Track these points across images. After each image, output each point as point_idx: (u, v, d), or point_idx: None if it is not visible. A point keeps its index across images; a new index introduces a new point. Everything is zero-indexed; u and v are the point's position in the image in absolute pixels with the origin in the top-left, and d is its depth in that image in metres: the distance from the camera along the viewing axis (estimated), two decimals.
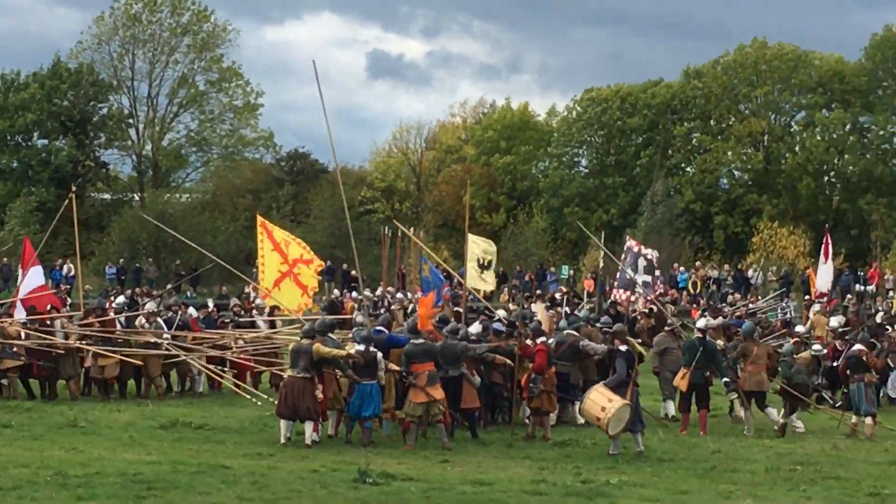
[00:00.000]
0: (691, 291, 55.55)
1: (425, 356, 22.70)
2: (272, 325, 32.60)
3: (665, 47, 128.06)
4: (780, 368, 27.31)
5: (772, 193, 70.66)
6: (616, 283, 35.97)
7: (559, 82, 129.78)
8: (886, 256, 61.65)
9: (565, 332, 26.41)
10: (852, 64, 72.63)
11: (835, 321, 35.15)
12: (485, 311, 32.64)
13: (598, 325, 27.99)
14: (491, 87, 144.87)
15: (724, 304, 46.02)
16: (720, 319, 32.92)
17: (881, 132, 71.13)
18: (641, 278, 35.11)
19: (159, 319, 30.68)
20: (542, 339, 24.92)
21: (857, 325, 36.11)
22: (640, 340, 33.37)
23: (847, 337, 30.52)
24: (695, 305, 49.78)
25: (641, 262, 36.44)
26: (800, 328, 31.15)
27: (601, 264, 35.64)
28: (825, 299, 43.71)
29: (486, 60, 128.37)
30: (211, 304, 36.63)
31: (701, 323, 26.90)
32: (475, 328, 25.85)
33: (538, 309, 32.66)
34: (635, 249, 36.40)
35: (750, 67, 72.20)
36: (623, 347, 22.87)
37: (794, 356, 27.28)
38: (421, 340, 22.90)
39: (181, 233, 42.72)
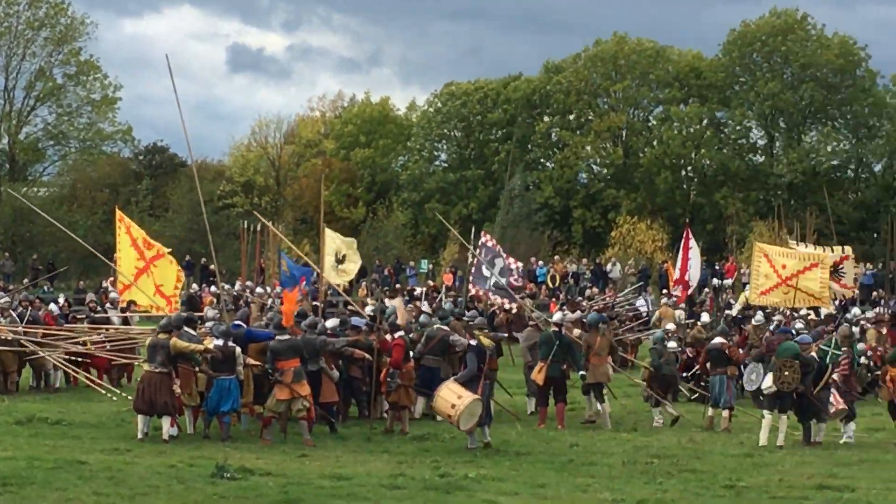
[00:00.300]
0: (550, 285, 55.84)
1: (291, 352, 22.47)
2: (125, 321, 32.06)
3: (525, 42, 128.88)
4: (649, 358, 27.62)
5: (630, 188, 71.30)
6: (472, 279, 35.85)
7: (419, 76, 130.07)
8: (742, 250, 62.52)
9: (435, 326, 26.31)
10: (710, 59, 73.60)
11: (706, 316, 35.56)
12: (347, 306, 32.44)
13: (465, 318, 27.98)
14: (351, 81, 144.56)
15: (582, 299, 46.26)
16: (578, 313, 33.09)
17: (737, 127, 72.23)
18: (494, 280, 35.09)
19: (13, 314, 30.07)
20: (400, 333, 24.84)
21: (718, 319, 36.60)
22: (505, 335, 33.57)
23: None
24: (553, 299, 49.98)
25: (500, 263, 36.39)
26: (670, 326, 31.40)
27: (470, 259, 35.55)
28: (679, 290, 44.12)
29: (346, 54, 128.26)
30: (62, 299, 35.93)
31: (557, 317, 26.93)
32: (332, 322, 25.72)
33: (396, 303, 32.56)
34: (489, 244, 36.35)
35: (609, 62, 72.78)
36: (474, 342, 22.92)
37: (666, 346, 27.56)
38: (286, 336, 22.67)
39: (39, 227, 41.87)
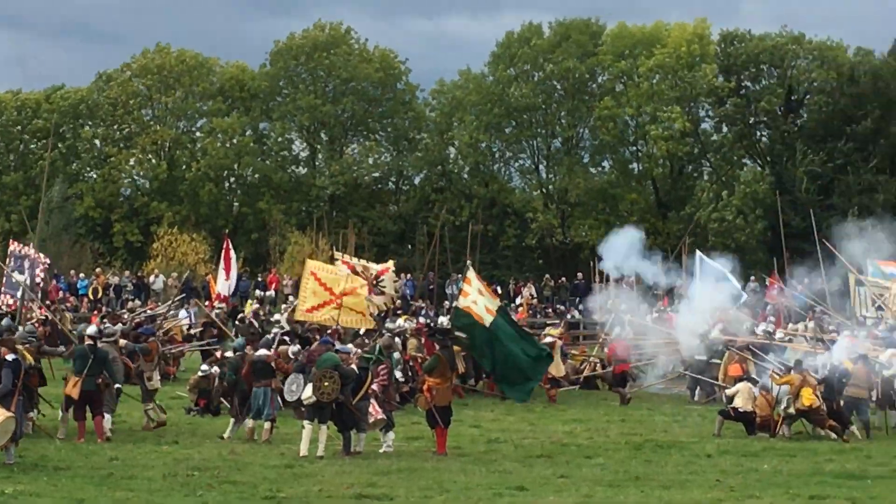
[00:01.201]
0: (91, 298, 54.68)
1: None
2: None
3: (73, 51, 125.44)
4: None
5: (174, 200, 70.55)
6: (2, 289, 34.62)
7: None
8: (283, 261, 63.02)
9: None
10: (254, 71, 73.77)
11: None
12: None
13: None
14: None
15: (124, 311, 45.41)
16: (120, 326, 32.43)
17: (279, 139, 72.65)
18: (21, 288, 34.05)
19: None
20: None
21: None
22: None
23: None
24: (95, 312, 48.91)
25: (36, 268, 35.31)
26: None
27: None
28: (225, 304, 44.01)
29: None
30: None
31: (90, 330, 26.50)
32: None
33: None
34: (20, 253, 35.21)
35: (155, 73, 71.79)
36: (10, 357, 22.09)
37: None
38: None
39: None
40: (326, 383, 23.66)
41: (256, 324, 40.44)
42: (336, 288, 36.87)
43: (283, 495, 19.30)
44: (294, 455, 23.71)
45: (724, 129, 69.90)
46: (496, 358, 25.25)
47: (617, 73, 70.04)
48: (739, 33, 69.85)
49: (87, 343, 25.64)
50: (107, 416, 25.58)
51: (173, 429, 27.53)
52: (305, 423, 24.04)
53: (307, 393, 24.02)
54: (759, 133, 70.37)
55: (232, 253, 45.69)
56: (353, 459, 23.63)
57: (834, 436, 27.75)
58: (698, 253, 45.18)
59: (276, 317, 40.27)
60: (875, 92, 65.99)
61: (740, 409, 28.71)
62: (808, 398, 27.55)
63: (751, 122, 69.05)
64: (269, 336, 33.70)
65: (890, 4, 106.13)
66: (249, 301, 49.90)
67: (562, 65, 69.26)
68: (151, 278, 58.21)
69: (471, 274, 26.24)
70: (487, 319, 25.09)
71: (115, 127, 72.30)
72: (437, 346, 25.38)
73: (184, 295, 49.31)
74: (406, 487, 20.35)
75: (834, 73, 66.84)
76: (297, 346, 30.84)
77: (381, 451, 24.85)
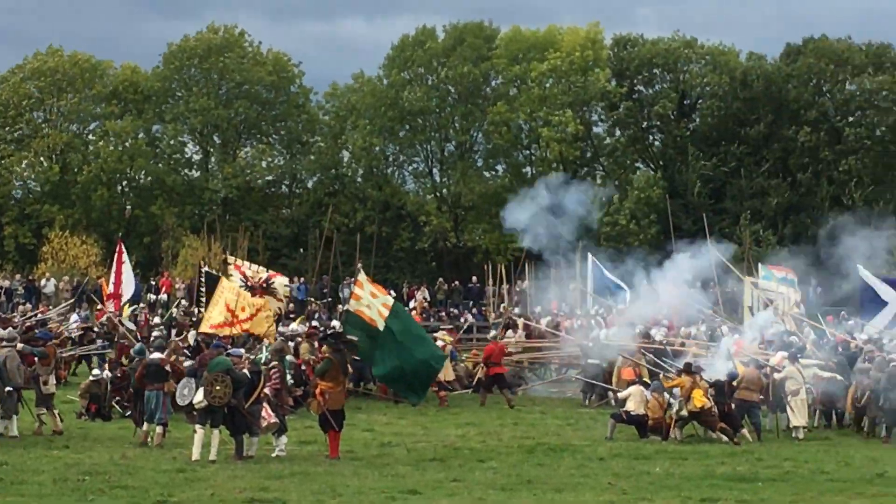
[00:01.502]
0: None
1: None
2: None
3: None
4: None
5: (67, 203, 69.71)
6: None
7: None
8: (176, 264, 62.54)
9: None
10: (147, 74, 73.07)
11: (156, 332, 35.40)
12: None
13: None
14: None
15: (15, 314, 44.85)
16: (10, 330, 31.98)
17: (172, 141, 72.06)
18: None
19: None
20: None
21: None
22: None
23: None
24: None
25: None
26: None
27: None
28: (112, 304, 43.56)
29: None
30: None
31: None
32: None
33: None
34: None
35: (48, 76, 70.87)
36: None
37: None
38: None
39: None
40: (218, 387, 23.52)
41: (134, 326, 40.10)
42: (240, 313, 36.78)
43: (174, 500, 19.19)
44: (186, 459, 23.54)
45: (617, 132, 70.55)
46: (388, 360, 25.21)
47: (511, 77, 70.35)
48: (632, 37, 70.63)
49: None
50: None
51: (64, 433, 27.26)
52: (197, 427, 23.86)
53: (199, 397, 23.85)
54: (651, 137, 71.21)
55: (125, 257, 45.17)
56: (246, 464, 23.51)
57: (725, 438, 28.09)
58: (590, 257, 45.59)
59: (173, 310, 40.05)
60: (768, 96, 67.04)
61: (633, 413, 28.96)
62: (700, 400, 27.88)
63: (644, 126, 69.81)
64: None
65: (783, 10, 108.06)
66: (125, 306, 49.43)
67: (456, 69, 69.43)
68: (43, 282, 57.58)
69: (362, 277, 26.24)
70: (381, 323, 25.08)
71: (7, 129, 71.22)
72: (330, 350, 25.28)
73: (76, 298, 48.82)
74: (299, 491, 20.30)
75: (727, 78, 67.75)
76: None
77: (273, 455, 24.72)
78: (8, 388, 25.81)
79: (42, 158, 71.04)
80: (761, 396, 29.79)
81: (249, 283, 40.59)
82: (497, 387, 36.26)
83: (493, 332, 40.69)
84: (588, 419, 32.05)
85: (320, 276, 54.82)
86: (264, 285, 41.03)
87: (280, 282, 42.68)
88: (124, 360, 31.70)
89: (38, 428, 27.35)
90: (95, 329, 41.38)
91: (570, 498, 20.26)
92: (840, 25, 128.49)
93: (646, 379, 31.67)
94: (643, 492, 20.88)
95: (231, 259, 44.67)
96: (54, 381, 28.84)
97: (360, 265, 36.39)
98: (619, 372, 34.42)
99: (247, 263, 44.08)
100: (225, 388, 23.54)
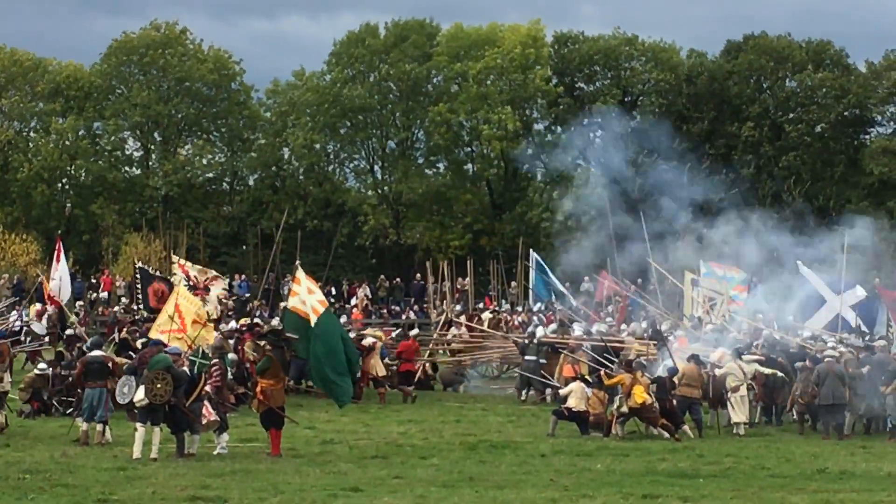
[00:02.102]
0: None
1: None
2: None
3: None
4: None
5: (6, 201, 69.16)
6: None
7: None
8: (117, 262, 62.20)
9: None
10: (89, 70, 72.53)
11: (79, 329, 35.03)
12: None
13: None
14: None
15: None
16: None
17: (112, 138, 71.60)
18: None
19: None
20: None
21: None
22: None
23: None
24: None
25: None
26: None
27: None
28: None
29: None
30: None
31: None
32: None
33: None
34: None
35: None
36: None
37: None
38: None
39: None
40: (159, 385, 23.46)
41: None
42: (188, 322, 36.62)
43: (115, 498, 19.13)
44: (127, 457, 23.49)
45: (558, 130, 70.68)
46: (316, 356, 25.16)
47: (451, 75, 70.35)
48: (573, 35, 70.78)
49: None
50: None
51: (4, 432, 27.07)
52: (138, 425, 23.78)
53: (139, 395, 23.77)
54: (592, 134, 71.35)
55: (62, 255, 44.96)
56: (187, 461, 23.46)
57: (667, 435, 28.25)
58: (533, 254, 45.73)
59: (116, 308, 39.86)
60: (710, 93, 67.39)
61: (574, 409, 29.09)
62: (640, 396, 28.01)
63: (584, 123, 69.96)
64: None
65: (723, 8, 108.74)
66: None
67: (398, 67, 69.38)
68: None
69: (300, 274, 26.24)
70: (314, 318, 25.11)
71: None
72: (270, 347, 25.24)
73: (17, 297, 48.51)
74: (240, 489, 20.28)
75: (671, 75, 68.07)
76: None
77: (215, 452, 24.67)
78: None
79: None
80: (702, 392, 29.97)
81: (192, 283, 40.49)
82: (400, 382, 36.48)
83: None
84: (530, 416, 32.13)
85: (266, 275, 54.68)
86: (206, 287, 40.95)
87: (218, 285, 42.63)
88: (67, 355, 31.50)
89: None
90: (34, 326, 41.09)
91: (511, 494, 20.33)
92: (780, 23, 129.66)
93: (586, 376, 31.75)
94: (585, 488, 20.97)
95: (175, 258, 44.50)
96: (9, 380, 28.63)
97: (297, 262, 36.33)
98: (560, 369, 34.55)
99: (189, 263, 43.95)
100: (166, 385, 23.48)
